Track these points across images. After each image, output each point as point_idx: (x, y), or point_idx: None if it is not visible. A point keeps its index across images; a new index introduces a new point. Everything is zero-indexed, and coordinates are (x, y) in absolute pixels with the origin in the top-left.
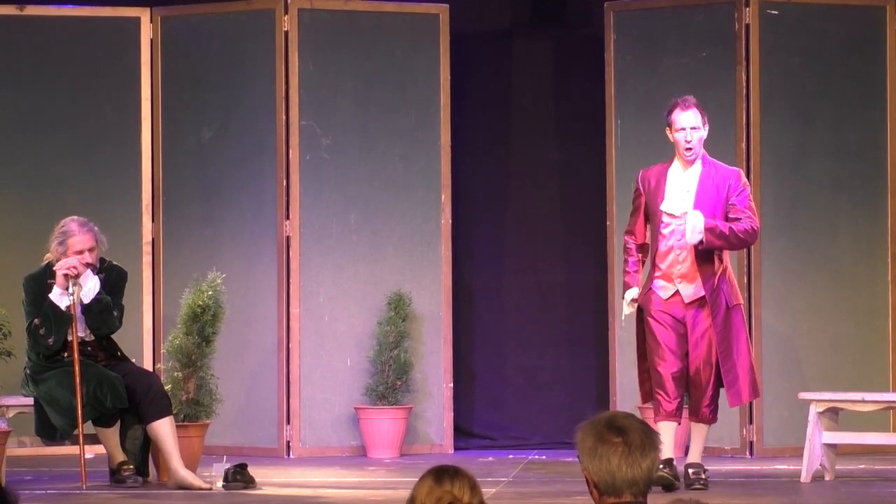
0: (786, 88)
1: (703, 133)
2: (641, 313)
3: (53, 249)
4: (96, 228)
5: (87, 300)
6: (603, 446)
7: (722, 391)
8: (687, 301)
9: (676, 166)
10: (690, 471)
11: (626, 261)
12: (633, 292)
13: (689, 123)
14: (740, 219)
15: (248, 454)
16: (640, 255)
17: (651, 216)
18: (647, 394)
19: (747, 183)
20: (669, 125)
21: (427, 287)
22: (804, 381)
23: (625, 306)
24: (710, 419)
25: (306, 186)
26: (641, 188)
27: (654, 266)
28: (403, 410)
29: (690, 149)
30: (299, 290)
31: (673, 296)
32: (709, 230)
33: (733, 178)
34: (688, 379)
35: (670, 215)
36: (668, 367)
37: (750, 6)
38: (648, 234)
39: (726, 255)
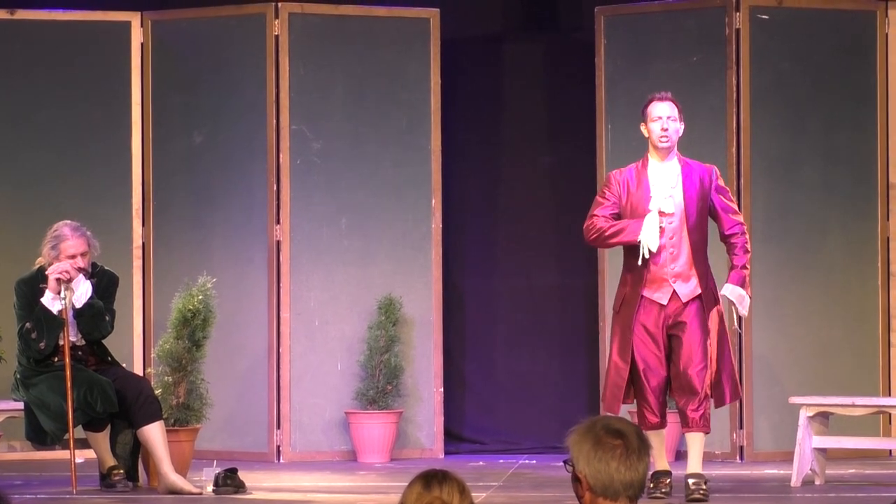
0: (776, 93)
1: (679, 126)
2: (622, 318)
3: (45, 253)
4: (89, 233)
5: (79, 305)
6: (602, 449)
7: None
8: (685, 300)
9: (653, 163)
10: (691, 481)
11: (600, 227)
12: (650, 216)
13: (665, 113)
14: (735, 234)
15: (239, 459)
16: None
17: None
18: (622, 399)
19: (724, 182)
20: (645, 119)
21: (418, 291)
22: (794, 385)
23: (650, 242)
24: (702, 426)
25: (297, 191)
26: (618, 192)
27: (643, 270)
28: (394, 415)
29: (666, 136)
30: (290, 295)
31: (670, 299)
32: (742, 286)
33: (714, 174)
34: (676, 386)
35: (662, 213)
36: (649, 380)
37: (740, 11)
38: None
39: (707, 253)
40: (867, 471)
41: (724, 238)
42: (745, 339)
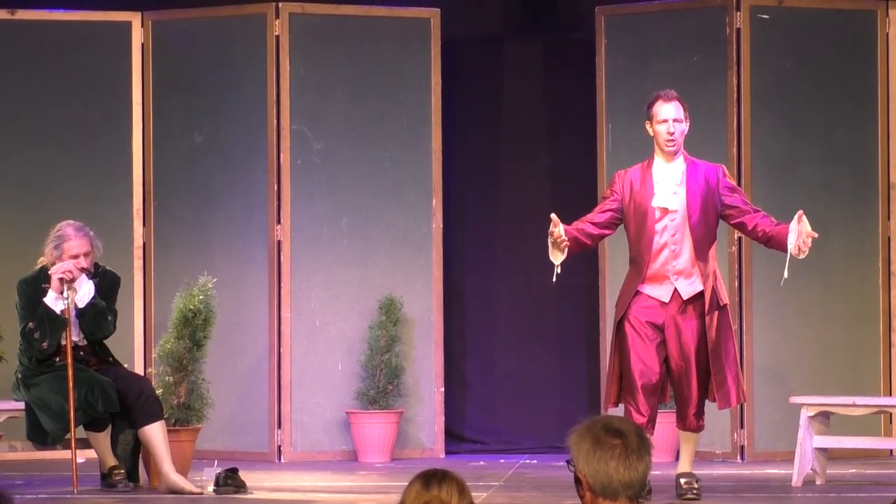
0: (777, 92)
1: (685, 126)
2: (622, 318)
3: (48, 253)
4: (92, 233)
5: (81, 305)
6: (601, 449)
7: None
8: (686, 297)
9: (658, 163)
10: (682, 481)
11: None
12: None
13: (671, 115)
14: (759, 211)
15: (239, 458)
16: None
17: (639, 217)
18: (614, 396)
19: (733, 180)
20: (650, 118)
21: (418, 291)
22: (795, 385)
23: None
24: (698, 427)
25: (297, 191)
26: (621, 190)
27: (643, 266)
28: (394, 415)
29: (673, 140)
30: (290, 295)
31: (672, 298)
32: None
33: (720, 172)
34: (672, 384)
35: (664, 210)
36: (640, 378)
37: (741, 10)
38: (600, 230)
39: (715, 253)
40: (868, 470)
41: (753, 226)
42: (745, 339)
